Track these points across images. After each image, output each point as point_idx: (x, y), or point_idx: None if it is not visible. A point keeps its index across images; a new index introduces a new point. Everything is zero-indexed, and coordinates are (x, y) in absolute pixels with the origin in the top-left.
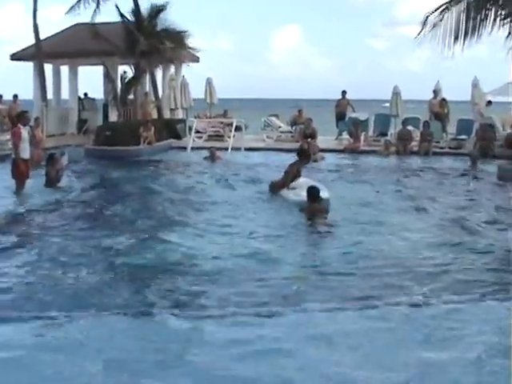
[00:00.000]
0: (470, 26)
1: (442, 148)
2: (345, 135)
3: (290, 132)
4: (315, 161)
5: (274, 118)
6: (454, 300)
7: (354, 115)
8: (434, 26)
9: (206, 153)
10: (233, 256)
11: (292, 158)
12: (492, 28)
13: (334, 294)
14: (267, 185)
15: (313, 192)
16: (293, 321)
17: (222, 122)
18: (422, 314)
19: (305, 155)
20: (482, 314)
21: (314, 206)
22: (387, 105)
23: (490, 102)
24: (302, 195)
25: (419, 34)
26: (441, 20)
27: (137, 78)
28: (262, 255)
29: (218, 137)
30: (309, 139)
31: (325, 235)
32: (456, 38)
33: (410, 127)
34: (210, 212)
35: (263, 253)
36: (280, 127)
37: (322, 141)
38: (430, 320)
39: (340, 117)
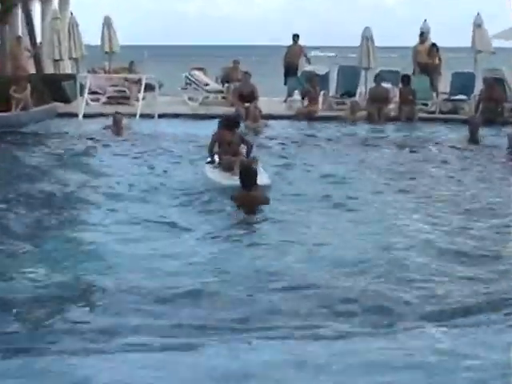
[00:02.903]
0: None
1: (431, 112)
2: (297, 96)
3: (221, 92)
4: (256, 131)
5: (198, 73)
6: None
7: (309, 68)
8: None
9: (105, 121)
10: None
11: None
12: None
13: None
14: (188, 164)
15: (247, 174)
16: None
17: (126, 79)
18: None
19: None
20: None
21: (250, 194)
22: (353, 55)
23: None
24: (237, 178)
25: None
26: None
27: (4, 15)
28: (167, 266)
29: (122, 99)
30: (247, 103)
31: (259, 236)
32: None
33: (386, 84)
34: (112, 205)
35: (167, 265)
36: (207, 85)
37: (266, 103)
38: None
39: (290, 70)
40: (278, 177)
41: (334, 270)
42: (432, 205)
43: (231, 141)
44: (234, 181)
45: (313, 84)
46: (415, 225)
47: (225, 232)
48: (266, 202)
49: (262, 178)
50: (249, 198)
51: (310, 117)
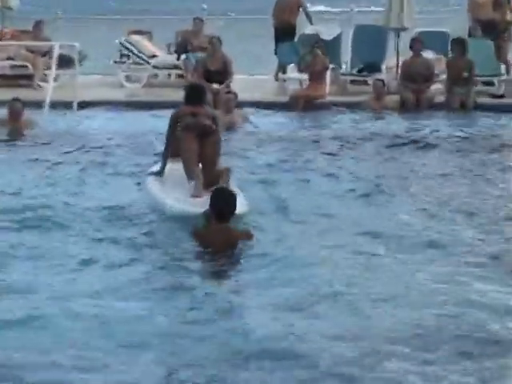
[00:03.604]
0: None
1: (498, 96)
2: (293, 72)
3: (177, 67)
4: (229, 126)
5: (141, 39)
6: None
7: (311, 30)
8: None
9: None
10: None
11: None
12: None
13: None
14: (123, 178)
15: (222, 198)
16: None
17: (29, 49)
18: None
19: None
20: None
21: (223, 227)
22: (378, 9)
23: None
24: (199, 201)
25: None
26: None
27: None
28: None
29: (23, 79)
30: (215, 84)
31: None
32: None
33: (427, 53)
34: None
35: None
36: (154, 57)
37: (246, 84)
38: None
39: (283, 33)
40: (260, 199)
41: (345, 343)
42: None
43: (196, 113)
44: (195, 206)
45: (317, 54)
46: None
47: (182, 288)
48: (247, 238)
49: (239, 204)
50: (221, 234)
51: (312, 104)
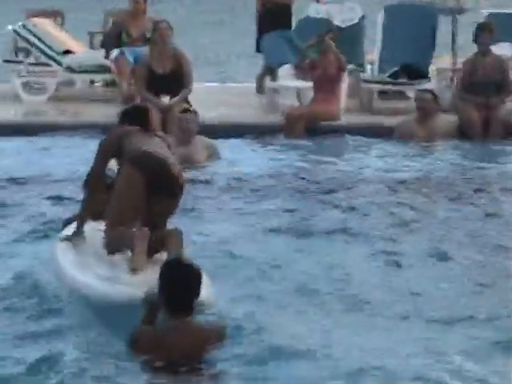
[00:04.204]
0: None
1: None
2: (286, 78)
3: (104, 70)
4: (188, 162)
5: (47, 24)
6: None
7: (316, 12)
8: None
9: None
10: None
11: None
12: None
13: None
14: (22, 250)
15: (181, 277)
16: None
17: None
18: None
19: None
20: None
21: (182, 325)
22: None
23: None
24: (141, 280)
25: None
26: None
27: None
28: None
29: None
30: (165, 96)
31: None
32: None
33: (501, 48)
34: None
35: None
36: (69, 53)
37: (214, 97)
38: None
39: (272, 17)
40: (233, 282)
41: None
42: None
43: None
44: (135, 287)
45: (327, 48)
46: None
47: None
48: (218, 339)
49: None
50: (182, 337)
51: (318, 128)
